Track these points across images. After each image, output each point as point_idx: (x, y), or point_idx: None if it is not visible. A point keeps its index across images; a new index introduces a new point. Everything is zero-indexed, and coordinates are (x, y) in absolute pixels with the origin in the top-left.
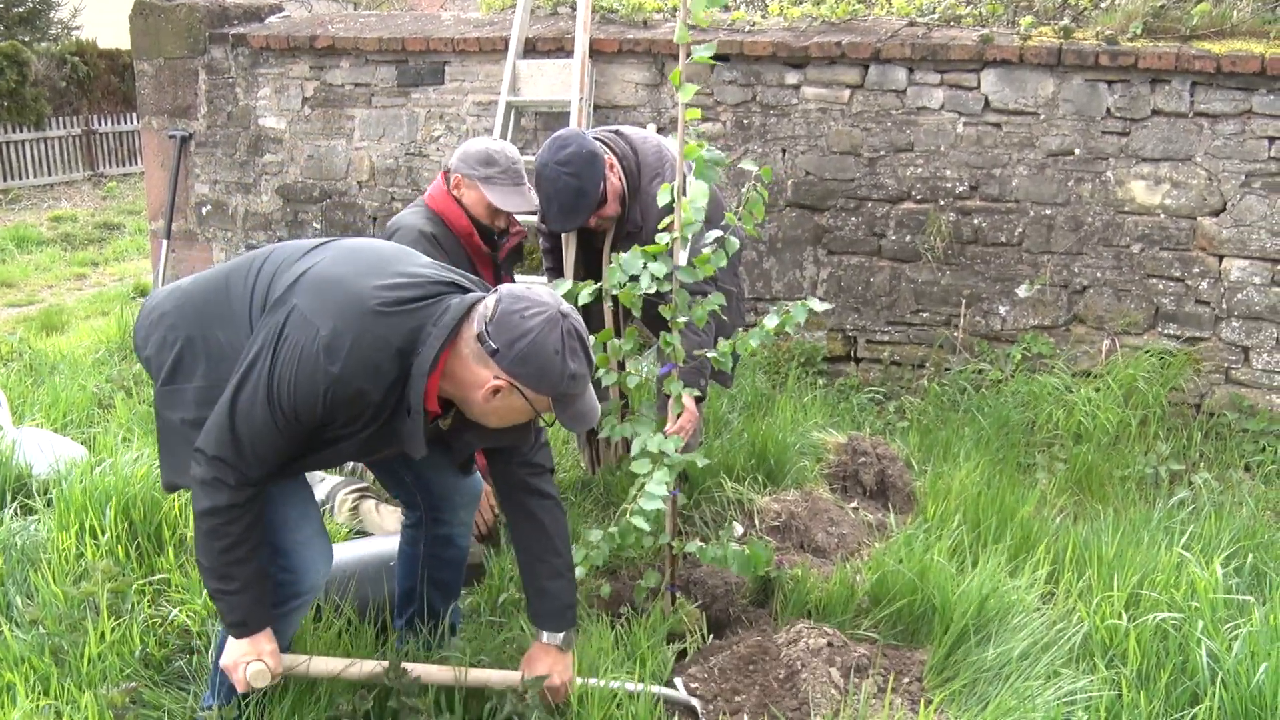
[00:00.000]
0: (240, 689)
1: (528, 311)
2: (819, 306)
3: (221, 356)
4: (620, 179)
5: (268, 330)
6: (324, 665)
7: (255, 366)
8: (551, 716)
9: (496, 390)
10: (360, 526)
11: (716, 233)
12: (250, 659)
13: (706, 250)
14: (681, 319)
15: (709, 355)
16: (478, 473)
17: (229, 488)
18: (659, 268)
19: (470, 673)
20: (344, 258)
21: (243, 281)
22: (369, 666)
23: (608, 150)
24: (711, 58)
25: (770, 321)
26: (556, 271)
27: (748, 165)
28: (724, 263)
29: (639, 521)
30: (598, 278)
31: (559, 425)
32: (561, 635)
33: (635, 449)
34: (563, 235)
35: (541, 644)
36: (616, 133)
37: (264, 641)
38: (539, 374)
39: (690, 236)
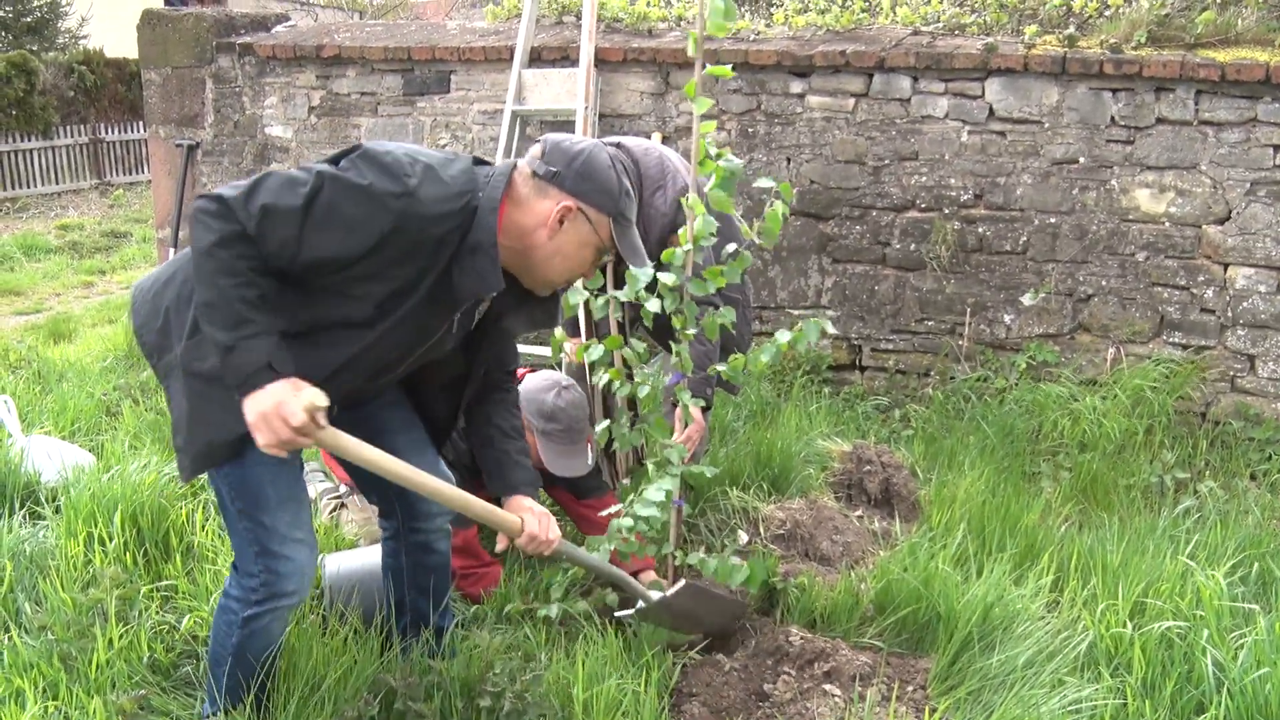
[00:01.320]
0: (284, 434)
1: (575, 140)
2: (831, 329)
3: None
4: None
5: (328, 158)
6: (365, 452)
7: (305, 169)
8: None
9: (563, 219)
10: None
11: (732, 246)
12: (291, 394)
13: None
14: (690, 330)
15: (719, 370)
16: (452, 477)
17: (239, 225)
18: (669, 278)
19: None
20: None
21: None
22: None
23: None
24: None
25: (783, 337)
26: None
27: (765, 182)
28: (737, 277)
29: (627, 523)
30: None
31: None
32: (534, 499)
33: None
34: None
35: (522, 497)
36: (618, 145)
37: (300, 384)
38: (601, 188)
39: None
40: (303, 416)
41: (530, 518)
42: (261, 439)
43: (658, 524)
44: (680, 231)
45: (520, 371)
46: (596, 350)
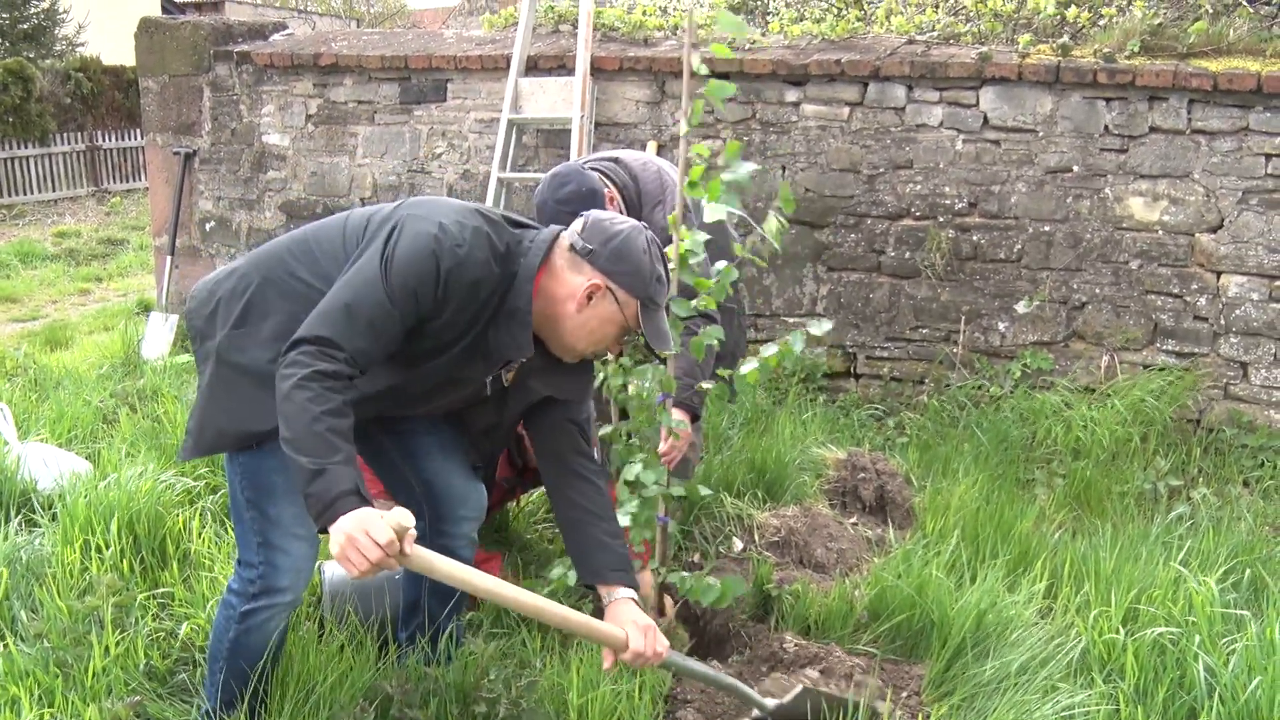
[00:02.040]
0: (373, 554)
1: (616, 220)
2: (818, 329)
3: (302, 294)
4: (621, 211)
5: (381, 230)
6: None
7: (370, 254)
8: None
9: (591, 295)
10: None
11: (723, 264)
12: (376, 516)
13: (711, 280)
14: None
15: (704, 388)
16: (482, 487)
17: (333, 360)
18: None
19: (573, 616)
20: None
21: (327, 228)
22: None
23: (607, 182)
24: (712, 75)
25: (768, 350)
26: None
27: (735, 209)
28: (725, 293)
29: None
30: None
31: None
32: (634, 590)
33: (624, 474)
34: None
35: (623, 599)
36: (616, 161)
37: (380, 509)
38: (633, 271)
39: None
40: (390, 534)
41: (635, 632)
42: (350, 569)
43: (637, 542)
44: (667, 249)
45: None
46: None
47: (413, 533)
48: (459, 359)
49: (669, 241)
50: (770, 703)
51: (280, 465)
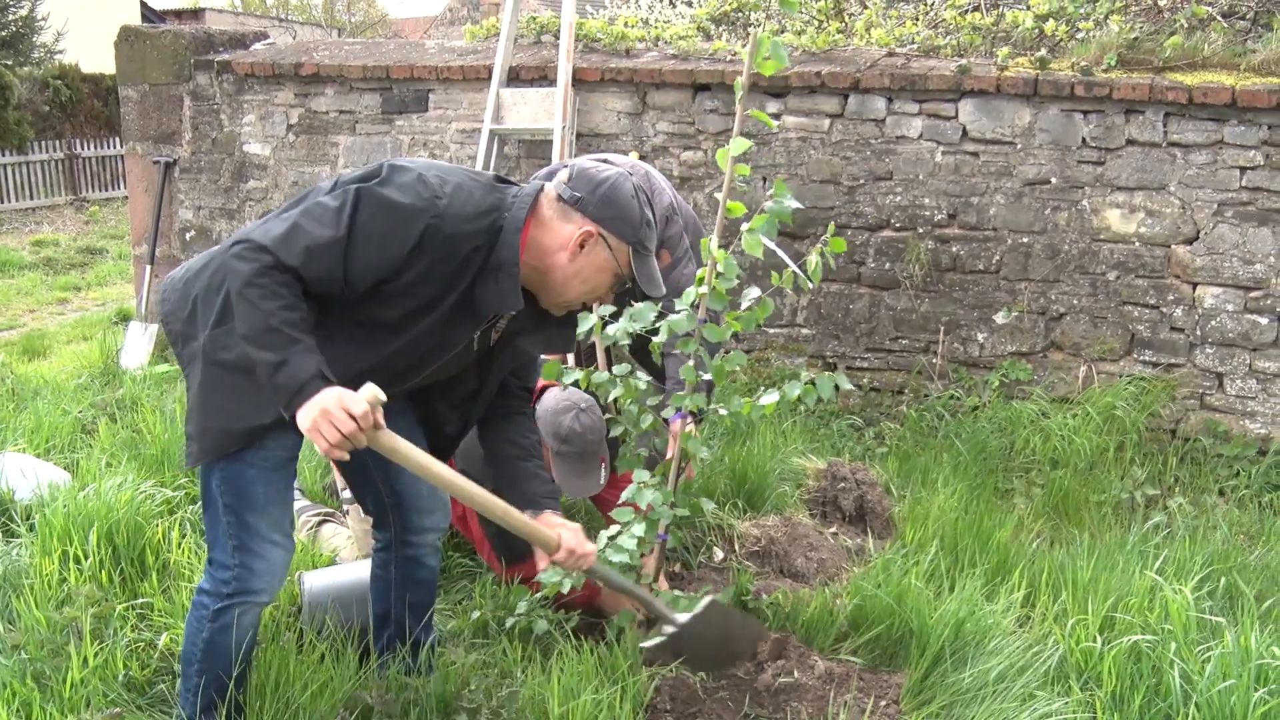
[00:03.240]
0: (347, 426)
1: (602, 168)
2: (846, 385)
3: None
4: None
5: (359, 175)
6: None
7: (343, 189)
8: None
9: (583, 243)
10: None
11: (756, 293)
12: (349, 391)
13: (742, 310)
14: (663, 344)
15: (711, 410)
16: (448, 499)
17: (276, 260)
18: (682, 323)
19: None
20: None
21: (290, 201)
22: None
23: None
24: (693, 86)
25: (792, 391)
26: None
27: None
28: (753, 327)
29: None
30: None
31: None
32: (558, 512)
33: (626, 494)
34: None
35: (550, 513)
36: (604, 160)
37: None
38: (623, 217)
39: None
40: (364, 406)
41: (566, 533)
42: (320, 442)
43: (636, 560)
44: (699, 272)
45: (540, 382)
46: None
47: (381, 408)
48: (446, 318)
49: (660, 239)
50: (681, 617)
51: (261, 476)
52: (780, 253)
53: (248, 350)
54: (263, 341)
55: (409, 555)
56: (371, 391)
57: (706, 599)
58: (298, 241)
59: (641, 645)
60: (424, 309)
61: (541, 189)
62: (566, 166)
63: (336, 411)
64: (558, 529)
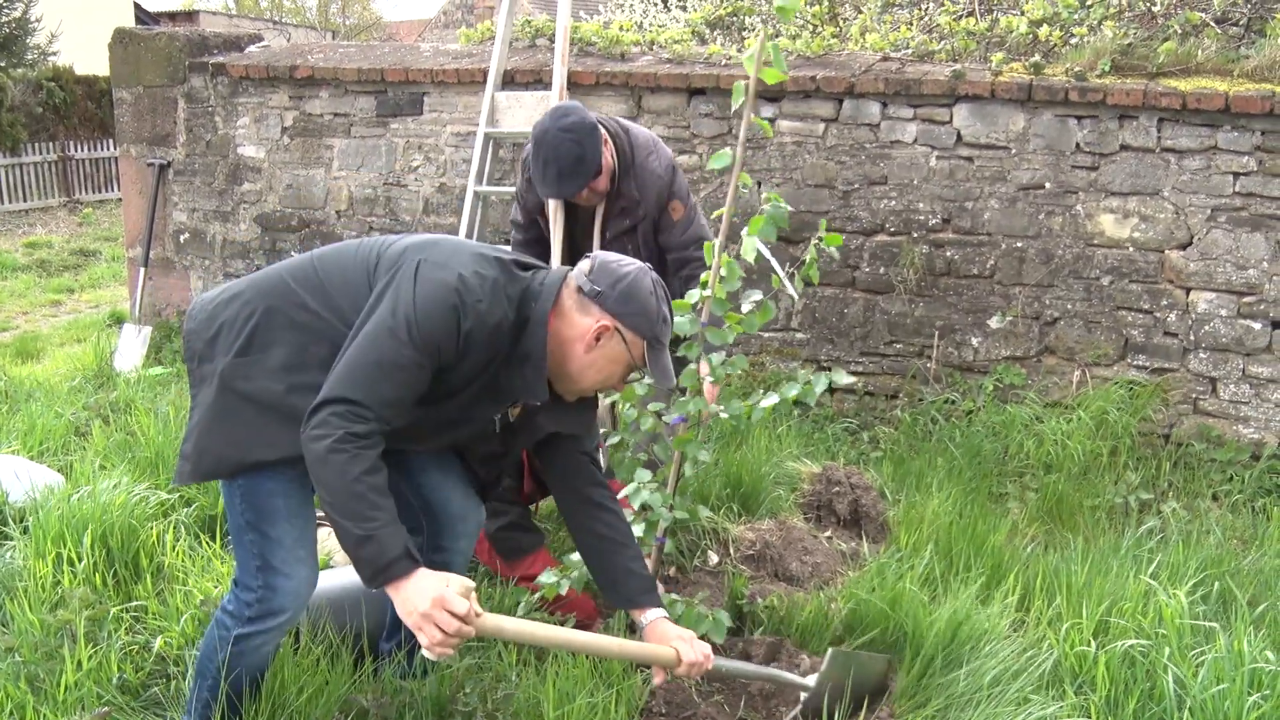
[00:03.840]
0: (452, 627)
1: (622, 262)
2: (845, 379)
3: (311, 325)
4: (613, 156)
5: (396, 277)
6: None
7: (388, 306)
8: None
9: (599, 336)
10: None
11: (757, 294)
12: (443, 585)
13: (744, 311)
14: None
15: (720, 414)
16: (481, 505)
17: (364, 421)
18: (684, 325)
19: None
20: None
21: (333, 258)
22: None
23: (602, 128)
24: (688, 90)
25: (790, 390)
26: (526, 247)
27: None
28: (754, 329)
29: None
30: (580, 253)
31: None
32: (664, 609)
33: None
34: (551, 206)
35: (658, 619)
36: (607, 117)
37: (439, 572)
38: (640, 311)
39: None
40: (466, 605)
41: (683, 646)
42: (426, 640)
43: None
44: (702, 276)
45: None
46: None
47: (475, 595)
48: (471, 399)
49: (668, 188)
50: (810, 679)
51: (281, 488)
52: (773, 261)
53: (331, 517)
54: (347, 510)
55: (441, 561)
56: (463, 585)
57: (829, 653)
58: (382, 392)
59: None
60: (451, 392)
61: (565, 278)
62: (589, 257)
63: (440, 615)
64: (673, 641)
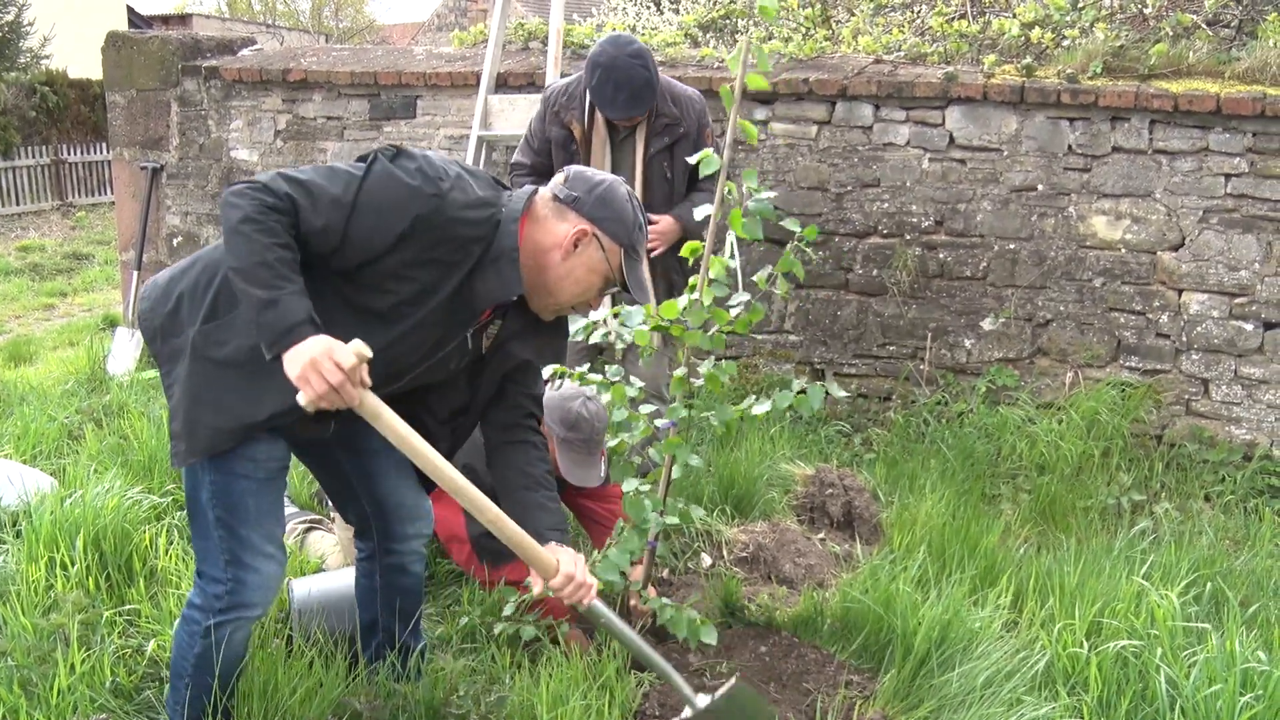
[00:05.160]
0: (335, 378)
1: (597, 172)
2: (838, 392)
3: None
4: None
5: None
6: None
7: (350, 165)
8: None
9: (577, 241)
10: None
11: (745, 297)
12: (338, 342)
13: (734, 311)
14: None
15: (713, 422)
16: (430, 503)
17: (281, 204)
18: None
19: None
20: None
21: None
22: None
23: None
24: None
25: (783, 401)
26: (534, 178)
27: (791, 224)
28: (745, 330)
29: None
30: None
31: None
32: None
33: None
34: (600, 128)
35: (554, 547)
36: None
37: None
38: (617, 217)
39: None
40: (353, 359)
41: (567, 558)
42: (308, 391)
43: (619, 586)
44: (692, 280)
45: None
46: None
47: (367, 366)
48: (441, 311)
49: (707, 126)
50: (701, 700)
51: (252, 488)
52: (739, 273)
53: (236, 284)
54: (255, 277)
55: (393, 563)
56: (358, 345)
57: (732, 682)
58: (305, 188)
59: None
60: (417, 299)
61: (536, 190)
62: (563, 171)
63: (325, 361)
64: (560, 554)
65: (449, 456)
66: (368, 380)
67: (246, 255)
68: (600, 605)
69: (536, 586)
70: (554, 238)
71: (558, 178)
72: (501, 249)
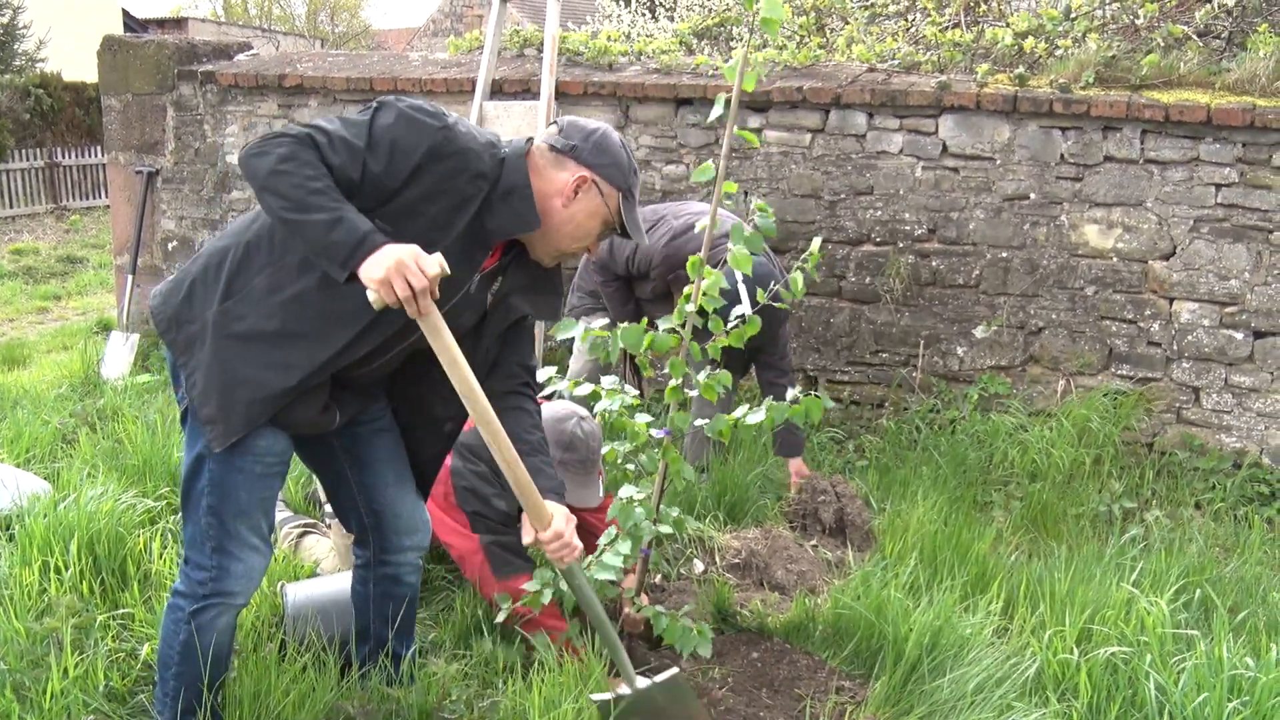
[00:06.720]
0: (419, 282)
1: (590, 120)
2: (828, 403)
3: (277, 233)
4: None
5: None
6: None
7: (359, 113)
8: None
9: (578, 188)
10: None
11: (743, 308)
12: (418, 253)
13: (730, 328)
14: (691, 392)
15: (705, 431)
16: (428, 515)
17: (301, 142)
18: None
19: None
20: None
21: None
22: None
23: None
24: (675, 100)
25: (780, 414)
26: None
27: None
28: (740, 343)
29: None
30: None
31: None
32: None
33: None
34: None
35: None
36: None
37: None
38: (614, 163)
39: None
40: (436, 269)
41: (560, 516)
42: (388, 293)
43: (613, 591)
44: (686, 289)
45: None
46: (558, 383)
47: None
48: (456, 252)
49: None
50: (641, 682)
51: (248, 481)
52: (743, 289)
53: (292, 219)
54: (310, 204)
55: (388, 574)
56: (440, 258)
57: (672, 670)
58: (321, 129)
59: (591, 697)
60: (431, 237)
61: (529, 141)
62: (556, 122)
63: (412, 265)
64: (555, 512)
65: (437, 461)
66: (437, 293)
67: (294, 189)
68: (577, 568)
69: (528, 536)
70: (555, 185)
71: (551, 129)
72: (512, 184)
